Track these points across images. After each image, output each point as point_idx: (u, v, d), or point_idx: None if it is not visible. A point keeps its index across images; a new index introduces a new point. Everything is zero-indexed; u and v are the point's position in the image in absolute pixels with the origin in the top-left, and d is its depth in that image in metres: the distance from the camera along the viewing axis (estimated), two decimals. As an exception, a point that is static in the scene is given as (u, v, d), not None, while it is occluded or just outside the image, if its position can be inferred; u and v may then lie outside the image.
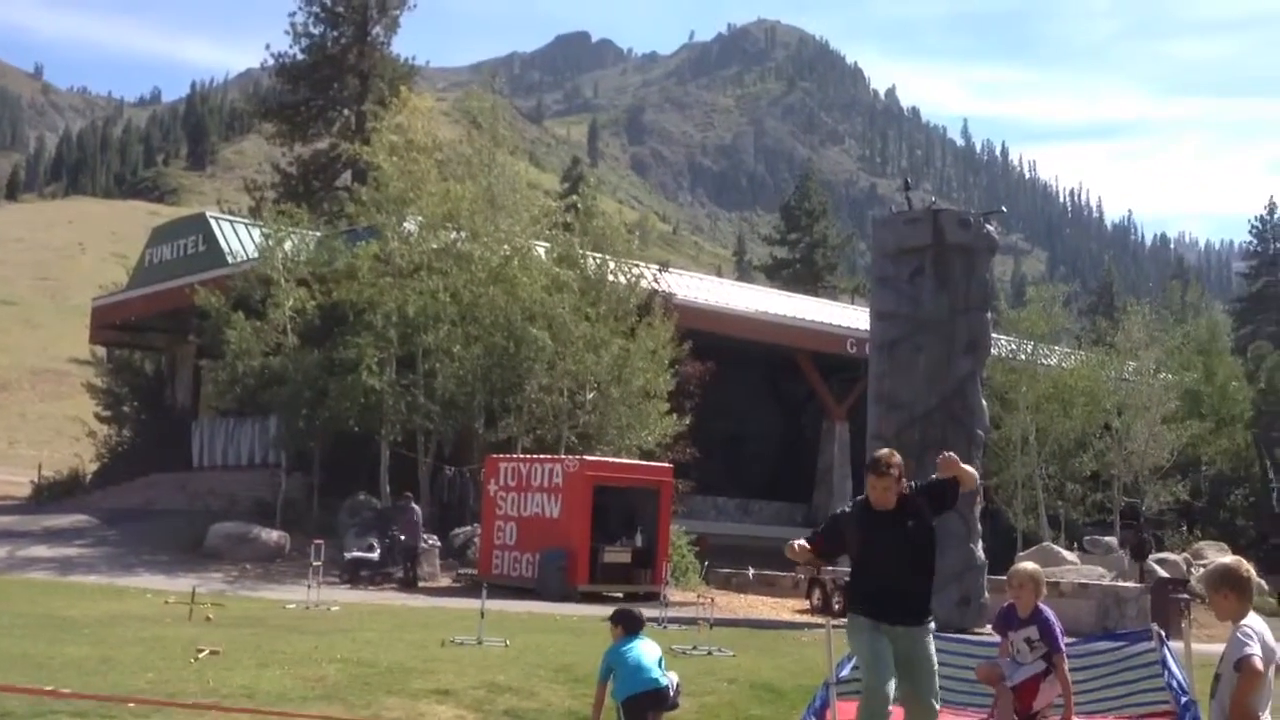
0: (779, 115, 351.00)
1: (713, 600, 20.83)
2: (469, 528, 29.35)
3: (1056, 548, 30.83)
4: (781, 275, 77.54)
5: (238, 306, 31.46)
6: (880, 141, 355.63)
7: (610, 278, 32.47)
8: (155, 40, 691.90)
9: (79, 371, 64.18)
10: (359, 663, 12.12)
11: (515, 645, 14.36)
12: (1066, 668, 8.40)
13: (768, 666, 13.93)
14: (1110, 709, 8.93)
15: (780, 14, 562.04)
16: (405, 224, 32.01)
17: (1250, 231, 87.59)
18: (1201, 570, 28.53)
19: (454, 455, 32.55)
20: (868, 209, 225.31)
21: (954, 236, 21.68)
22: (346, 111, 50.54)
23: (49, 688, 9.82)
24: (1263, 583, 28.46)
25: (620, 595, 24.75)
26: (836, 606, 22.34)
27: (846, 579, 11.79)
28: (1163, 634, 9.03)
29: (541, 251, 32.85)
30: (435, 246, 31.76)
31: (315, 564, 20.14)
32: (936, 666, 7.23)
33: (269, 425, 33.88)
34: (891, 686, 6.96)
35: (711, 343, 35.28)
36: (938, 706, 7.22)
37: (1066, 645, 8.58)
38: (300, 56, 50.22)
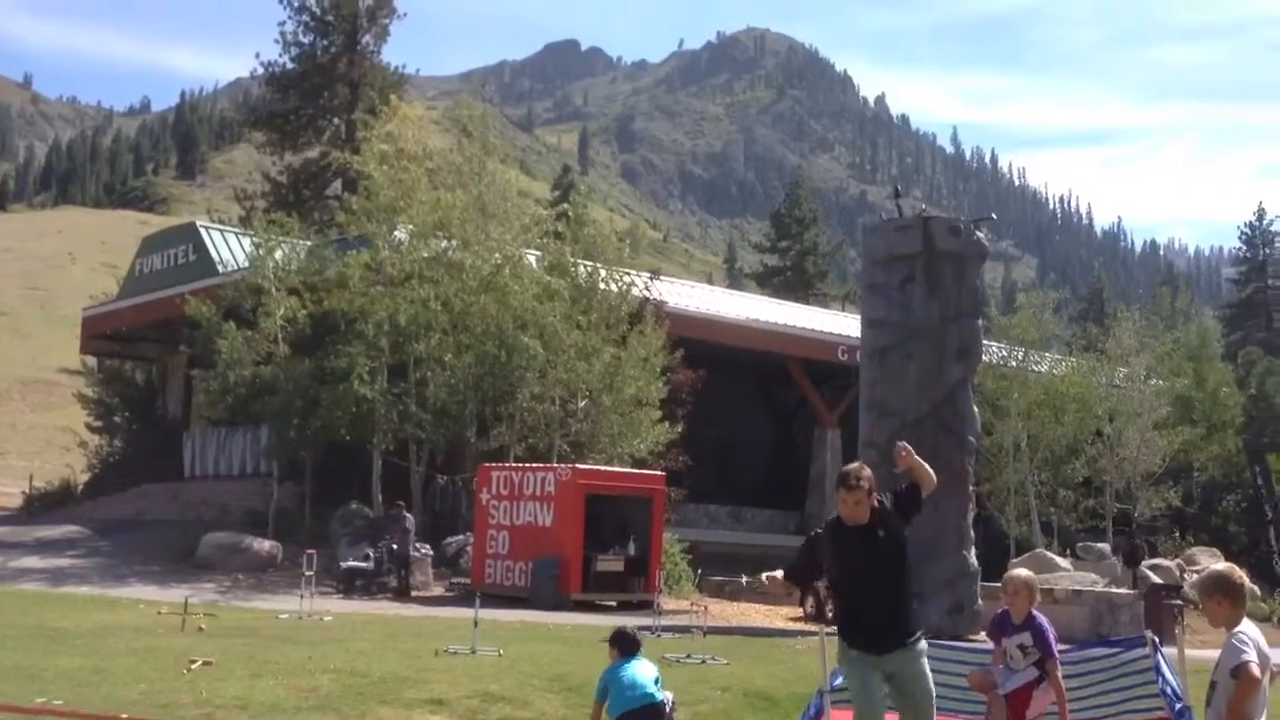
0: (769, 123, 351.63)
1: (706, 608, 20.80)
2: (461, 537, 29.30)
3: (1049, 554, 30.83)
4: (772, 283, 77.69)
5: (228, 316, 31.41)
6: (870, 149, 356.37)
7: (601, 286, 32.46)
8: (144, 50, 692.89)
9: (69, 382, 64.03)
10: (352, 673, 12.10)
11: (509, 654, 14.35)
12: (1060, 674, 8.40)
13: (761, 674, 13.93)
14: (1104, 715, 8.93)
15: (769, 22, 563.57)
16: (396, 233, 31.98)
17: (1239, 238, 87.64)
18: (1195, 576, 28.58)
19: (446, 464, 32.51)
20: (858, 216, 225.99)
21: (944, 243, 21.73)
22: (336, 120, 50.51)
23: (40, 700, 9.80)
24: (1255, 588, 28.53)
25: (613, 604, 24.75)
26: (830, 614, 22.31)
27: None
28: (1156, 640, 9.03)
29: (532, 260, 32.86)
30: (426, 255, 31.74)
31: (308, 574, 20.09)
32: (932, 686, 7.13)
33: (260, 435, 33.81)
34: (882, 714, 6.99)
35: (703, 350, 35.28)
36: None
37: (1060, 652, 8.59)
38: (290, 65, 50.20)
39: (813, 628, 20.77)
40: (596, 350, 30.76)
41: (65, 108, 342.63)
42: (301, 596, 19.81)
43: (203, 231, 40.75)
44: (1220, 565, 5.88)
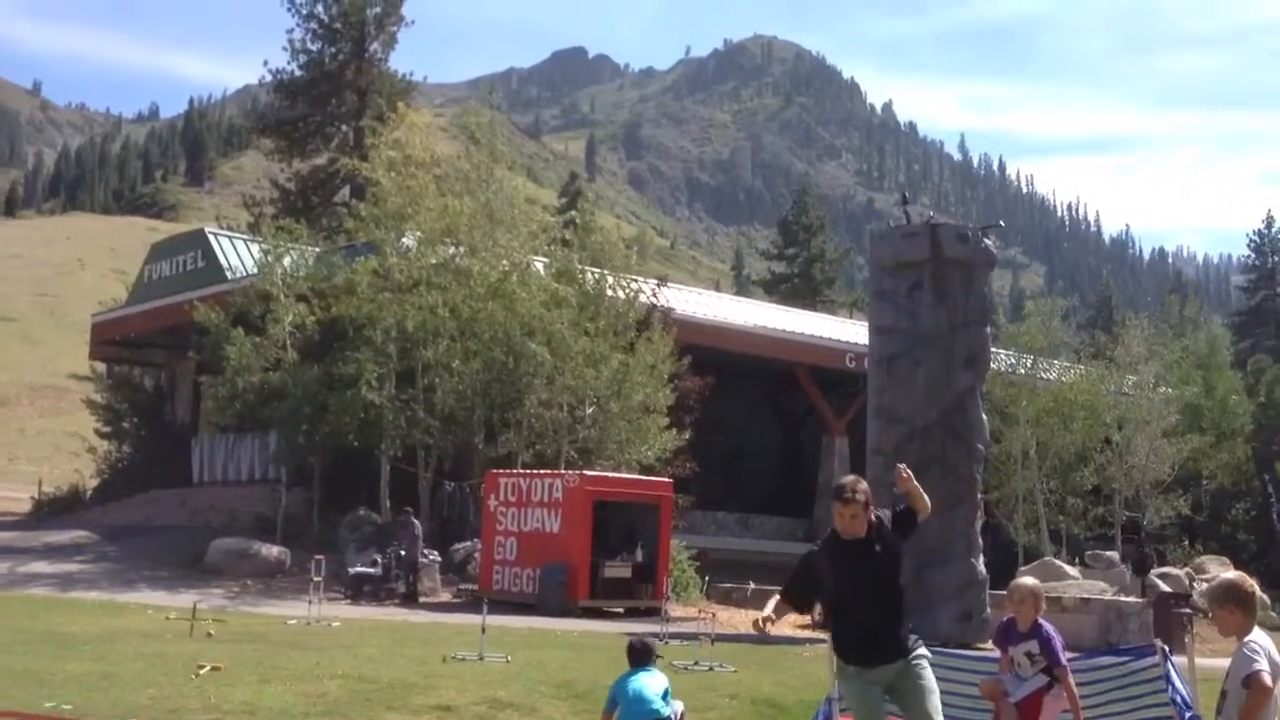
0: (776, 130, 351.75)
1: (714, 615, 20.81)
2: (469, 543, 29.30)
3: (1058, 562, 30.77)
4: (780, 290, 77.57)
5: (237, 322, 31.47)
6: (877, 156, 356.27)
7: (609, 293, 32.50)
8: (153, 56, 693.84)
9: (78, 388, 64.10)
10: (360, 679, 12.11)
11: (516, 661, 14.34)
12: (1072, 681, 8.37)
13: (769, 682, 13.91)
14: (1114, 724, 8.90)
15: (777, 30, 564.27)
16: (404, 239, 32.04)
17: (1248, 245, 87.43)
18: (1204, 585, 28.50)
19: (454, 470, 32.52)
20: (865, 224, 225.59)
21: (952, 251, 21.71)
22: (345, 127, 50.56)
23: (49, 706, 9.81)
24: (1265, 598, 28.45)
25: (621, 610, 24.75)
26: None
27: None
28: (1166, 649, 9.00)
29: (540, 267, 32.88)
30: (434, 262, 31.78)
31: (316, 579, 20.11)
32: (937, 701, 7.00)
33: (269, 441, 33.85)
34: None
35: (710, 357, 35.27)
36: None
37: (1069, 660, 8.56)
38: (298, 73, 50.25)
39: (821, 635, 20.75)
40: (604, 357, 30.77)
41: (74, 114, 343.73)
42: (310, 602, 19.81)
43: (211, 238, 40.83)
44: (1231, 574, 5.86)
